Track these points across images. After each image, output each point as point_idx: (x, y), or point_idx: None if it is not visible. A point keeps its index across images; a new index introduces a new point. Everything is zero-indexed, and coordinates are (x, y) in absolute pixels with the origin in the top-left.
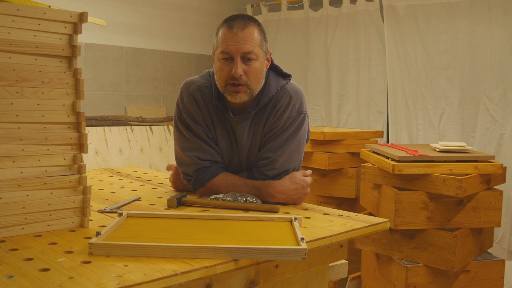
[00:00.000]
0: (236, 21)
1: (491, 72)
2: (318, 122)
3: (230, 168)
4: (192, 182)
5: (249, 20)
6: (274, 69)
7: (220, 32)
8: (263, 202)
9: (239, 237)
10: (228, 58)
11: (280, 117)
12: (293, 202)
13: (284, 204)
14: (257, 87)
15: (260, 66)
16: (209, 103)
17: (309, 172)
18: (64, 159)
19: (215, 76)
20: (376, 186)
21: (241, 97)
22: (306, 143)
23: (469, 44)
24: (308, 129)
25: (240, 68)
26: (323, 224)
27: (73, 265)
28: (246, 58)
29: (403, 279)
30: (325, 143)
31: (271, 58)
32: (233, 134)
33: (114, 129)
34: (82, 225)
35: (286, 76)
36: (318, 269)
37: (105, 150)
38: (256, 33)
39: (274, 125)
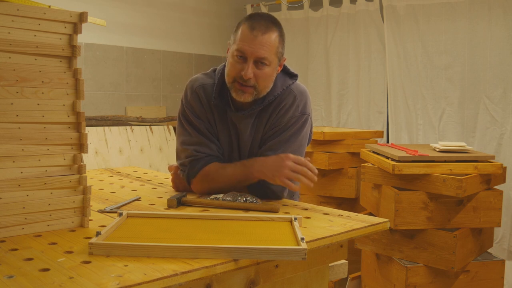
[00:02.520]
0: (259, 23)
1: (491, 72)
2: (318, 122)
3: None
4: (186, 172)
5: (272, 24)
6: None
7: (241, 29)
8: (262, 198)
9: (239, 237)
10: (242, 57)
11: (283, 116)
12: (271, 175)
13: (284, 204)
14: (264, 90)
15: (271, 72)
16: (211, 100)
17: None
18: (64, 159)
19: (225, 68)
20: (376, 186)
21: (246, 98)
22: (308, 144)
23: (469, 44)
24: (311, 131)
25: (250, 71)
26: (323, 224)
27: (73, 265)
28: (259, 62)
29: (403, 279)
30: (325, 143)
31: None
32: (235, 131)
33: (114, 129)
34: (82, 225)
35: (293, 76)
36: (318, 269)
37: (105, 150)
38: (275, 39)
39: (276, 124)
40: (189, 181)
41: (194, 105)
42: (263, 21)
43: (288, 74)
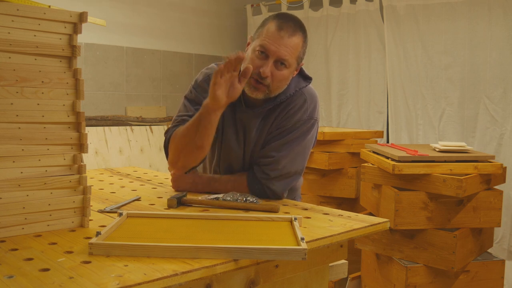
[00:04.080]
0: (288, 24)
1: (491, 72)
2: None
3: (233, 164)
4: (165, 136)
5: (300, 29)
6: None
7: (268, 26)
8: (262, 198)
9: (239, 237)
10: (264, 53)
11: (291, 118)
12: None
13: (284, 204)
14: (276, 91)
15: (288, 74)
16: None
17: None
18: (64, 159)
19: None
20: (376, 186)
21: (258, 95)
22: (312, 147)
23: (469, 44)
24: (316, 136)
25: (269, 70)
26: (323, 224)
27: (73, 265)
28: (279, 63)
29: (403, 279)
30: (325, 143)
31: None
32: (242, 128)
33: (114, 129)
34: (82, 225)
35: (307, 79)
36: (318, 269)
37: (105, 150)
38: (299, 44)
39: (282, 124)
40: (166, 147)
41: (202, 87)
42: (292, 23)
43: (302, 76)
